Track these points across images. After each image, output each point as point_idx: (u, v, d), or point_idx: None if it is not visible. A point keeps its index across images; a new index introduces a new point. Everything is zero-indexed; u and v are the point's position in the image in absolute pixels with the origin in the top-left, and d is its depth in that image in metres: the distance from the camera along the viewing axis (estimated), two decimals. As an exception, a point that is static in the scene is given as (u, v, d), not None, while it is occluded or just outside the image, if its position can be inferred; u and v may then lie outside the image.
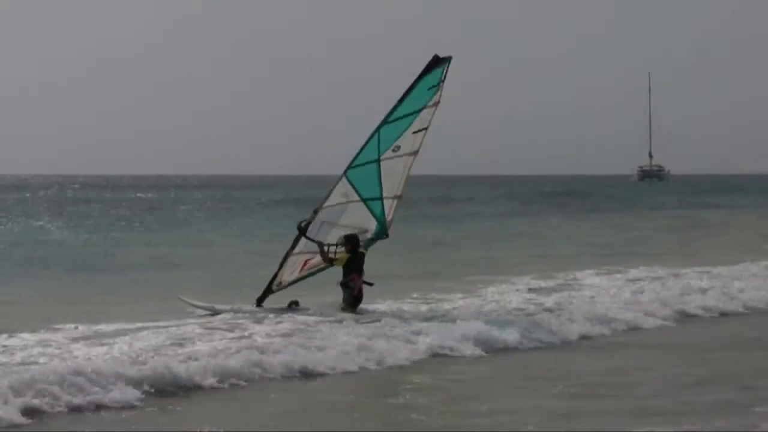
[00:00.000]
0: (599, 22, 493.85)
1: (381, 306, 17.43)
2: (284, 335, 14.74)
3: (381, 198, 16.55)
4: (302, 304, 17.03)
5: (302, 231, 16.77)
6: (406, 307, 17.90)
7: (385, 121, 16.20)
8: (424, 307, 18.01)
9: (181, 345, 14.08)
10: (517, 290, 20.54)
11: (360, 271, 16.60)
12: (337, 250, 16.74)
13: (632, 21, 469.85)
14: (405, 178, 16.44)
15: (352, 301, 16.67)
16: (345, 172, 16.67)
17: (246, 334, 15.09)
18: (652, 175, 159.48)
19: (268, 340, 14.33)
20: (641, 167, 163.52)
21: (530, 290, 20.59)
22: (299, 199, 69.88)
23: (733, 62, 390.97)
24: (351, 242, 16.61)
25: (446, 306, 18.23)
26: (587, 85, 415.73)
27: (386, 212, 16.58)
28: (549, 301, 18.72)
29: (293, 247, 16.87)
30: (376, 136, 16.20)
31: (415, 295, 19.48)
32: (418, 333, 14.87)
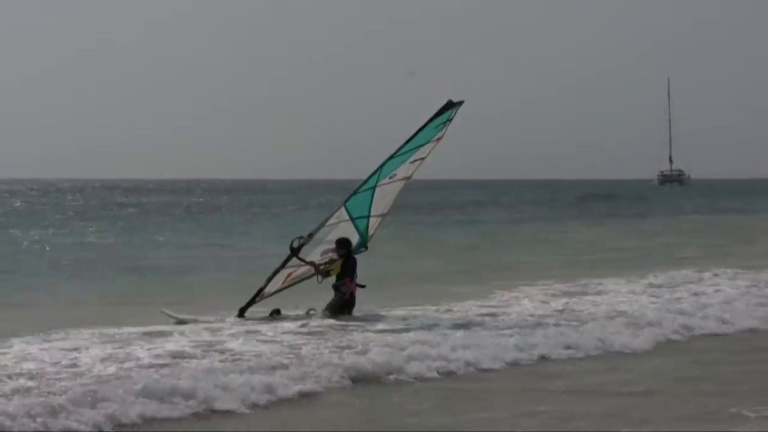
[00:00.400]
0: (620, 27, 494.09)
1: (416, 311, 17.39)
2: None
3: (368, 216, 17.37)
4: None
5: (295, 252, 16.87)
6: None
7: (391, 157, 17.02)
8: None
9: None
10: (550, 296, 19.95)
11: (353, 275, 16.79)
12: (331, 257, 16.99)
13: (652, 25, 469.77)
14: (394, 199, 17.44)
15: (342, 304, 16.65)
16: (345, 201, 17.49)
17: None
18: (672, 179, 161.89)
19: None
20: (662, 172, 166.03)
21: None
22: (325, 205, 67.92)
23: (754, 66, 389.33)
24: (344, 246, 16.90)
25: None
26: (607, 90, 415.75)
27: (369, 228, 17.41)
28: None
29: (283, 265, 17.05)
30: (378, 170, 17.10)
31: (473, 301, 18.83)
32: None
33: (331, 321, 15.85)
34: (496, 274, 24.04)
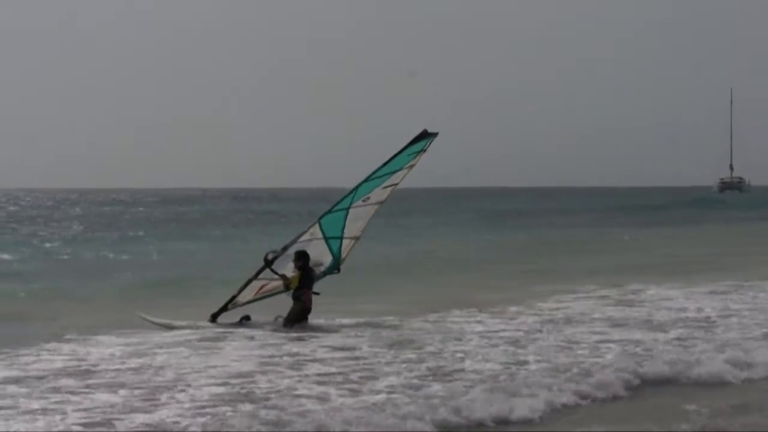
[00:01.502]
0: (682, 36, 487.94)
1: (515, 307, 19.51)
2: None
3: (341, 238, 17.98)
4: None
5: (268, 263, 17.77)
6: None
7: (366, 179, 17.85)
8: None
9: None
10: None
11: (310, 285, 17.67)
12: (293, 271, 17.81)
13: (714, 35, 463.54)
14: (367, 223, 18.09)
15: (301, 313, 17.53)
16: (320, 218, 18.23)
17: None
18: (732, 186, 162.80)
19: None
20: (722, 179, 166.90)
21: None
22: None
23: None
24: (302, 258, 17.69)
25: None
26: (668, 98, 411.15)
27: (342, 250, 18.02)
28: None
29: (256, 276, 17.99)
30: (353, 192, 17.86)
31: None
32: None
33: None
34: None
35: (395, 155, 17.81)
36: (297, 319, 17.57)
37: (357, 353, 14.92)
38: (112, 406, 11.70)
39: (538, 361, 14.10)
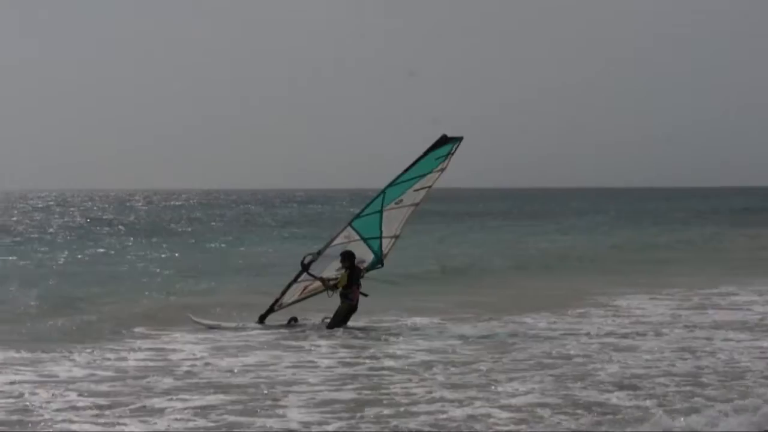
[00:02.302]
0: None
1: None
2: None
3: (380, 237, 19.06)
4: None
5: (305, 267, 18.63)
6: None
7: (391, 184, 18.82)
8: None
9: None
10: None
11: (358, 283, 18.30)
12: (337, 271, 18.53)
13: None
14: (404, 222, 19.10)
15: (348, 312, 18.16)
16: (350, 222, 19.18)
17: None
18: None
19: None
20: None
21: None
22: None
23: None
24: (348, 258, 18.36)
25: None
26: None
27: (383, 248, 19.12)
28: None
29: (295, 279, 18.85)
30: (381, 195, 18.88)
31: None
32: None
33: None
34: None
35: (417, 160, 18.68)
36: (343, 319, 18.07)
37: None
38: (223, 405, 11.75)
39: None
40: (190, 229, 57.12)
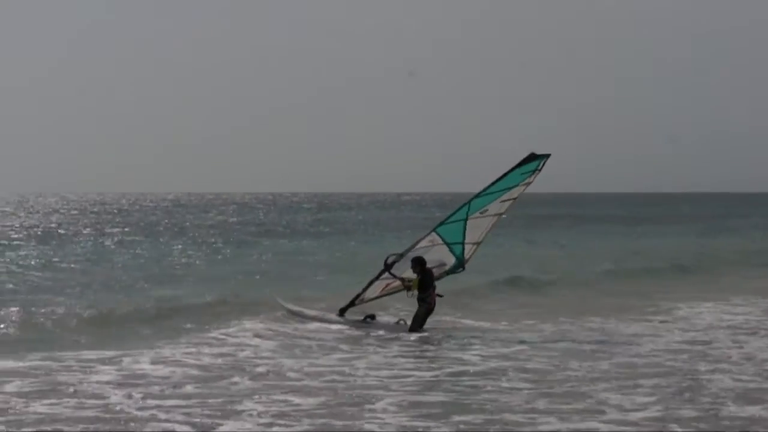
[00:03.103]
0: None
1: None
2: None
3: (463, 243, 19.89)
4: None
5: (388, 267, 19.43)
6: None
7: (477, 195, 19.72)
8: None
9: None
10: None
11: (433, 286, 18.91)
12: (407, 276, 19.22)
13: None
14: (488, 231, 19.99)
15: (426, 314, 18.70)
16: (435, 228, 20.14)
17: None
18: None
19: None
20: None
21: None
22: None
23: None
24: (418, 265, 19.03)
25: None
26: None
27: (465, 253, 19.99)
28: None
29: (378, 277, 19.72)
30: (467, 205, 19.86)
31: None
32: None
33: None
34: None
35: (505, 174, 19.49)
36: (422, 321, 18.59)
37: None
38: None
39: None
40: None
